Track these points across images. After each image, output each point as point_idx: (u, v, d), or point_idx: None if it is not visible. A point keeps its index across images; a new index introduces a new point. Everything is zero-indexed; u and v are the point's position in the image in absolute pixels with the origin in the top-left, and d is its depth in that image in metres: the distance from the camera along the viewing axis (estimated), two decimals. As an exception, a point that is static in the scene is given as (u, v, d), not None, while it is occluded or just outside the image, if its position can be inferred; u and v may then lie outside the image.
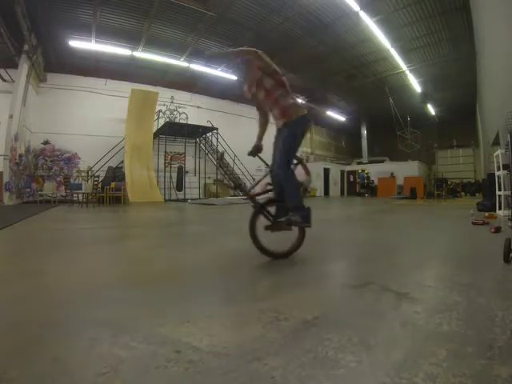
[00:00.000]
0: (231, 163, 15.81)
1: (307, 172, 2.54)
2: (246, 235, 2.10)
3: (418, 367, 0.79)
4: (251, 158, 2.41)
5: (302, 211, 2.10)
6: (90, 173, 12.07)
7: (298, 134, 2.15)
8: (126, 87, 12.62)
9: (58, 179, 12.24)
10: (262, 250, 2.12)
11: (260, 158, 2.40)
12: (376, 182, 18.74)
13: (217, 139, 15.38)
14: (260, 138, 2.30)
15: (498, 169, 5.21)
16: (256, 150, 2.27)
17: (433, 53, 12.60)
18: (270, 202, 2.21)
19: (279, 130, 2.19)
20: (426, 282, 1.65)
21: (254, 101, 2.31)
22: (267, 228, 2.16)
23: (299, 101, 2.54)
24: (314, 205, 11.01)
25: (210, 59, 2.69)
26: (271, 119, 2.38)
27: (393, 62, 13.38)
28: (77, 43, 10.67)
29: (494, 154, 5.57)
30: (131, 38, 11.06)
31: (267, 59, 2.14)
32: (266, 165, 2.42)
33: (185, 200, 13.20)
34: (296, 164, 2.38)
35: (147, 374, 0.79)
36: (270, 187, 2.26)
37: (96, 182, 11.29)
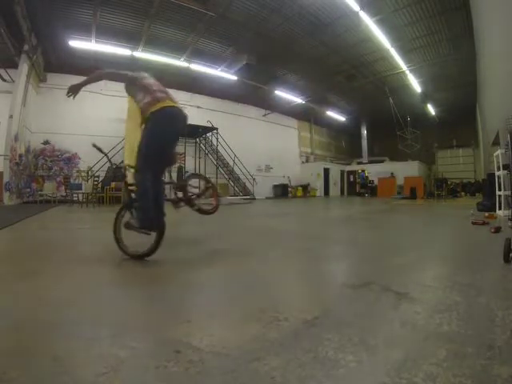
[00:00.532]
0: (231, 163, 15.82)
1: (216, 198, 2.59)
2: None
3: (418, 367, 0.79)
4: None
5: (142, 216, 2.06)
6: (89, 173, 12.06)
7: (153, 131, 2.08)
8: (126, 87, 12.60)
9: (58, 179, 12.23)
10: (121, 249, 2.19)
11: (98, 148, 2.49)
12: (376, 182, 18.75)
13: (217, 139, 15.39)
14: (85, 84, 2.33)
15: (498, 169, 5.21)
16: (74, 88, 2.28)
17: (433, 53, 12.59)
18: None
19: None
20: (426, 281, 1.65)
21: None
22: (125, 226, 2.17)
23: (161, 95, 2.27)
24: (314, 205, 10.87)
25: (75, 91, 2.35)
26: None
27: (393, 62, 13.37)
28: (77, 43, 10.66)
29: (494, 154, 5.57)
30: (131, 38, 11.05)
31: (111, 71, 2.37)
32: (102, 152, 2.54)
33: (185, 200, 13.19)
34: (207, 188, 2.51)
35: (147, 373, 0.79)
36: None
37: (96, 182, 11.28)
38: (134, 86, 2.26)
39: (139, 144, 2.09)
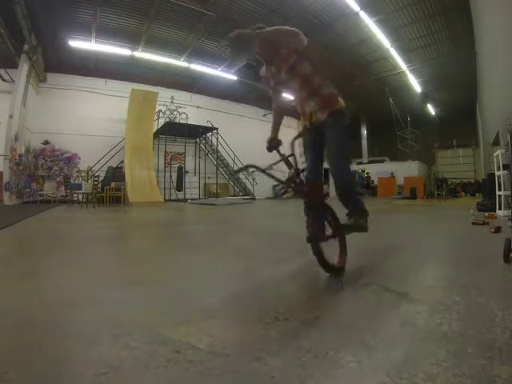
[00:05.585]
0: (231, 163, 15.82)
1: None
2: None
3: (418, 367, 0.79)
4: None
5: (364, 208, 1.79)
6: (89, 173, 12.07)
7: (346, 127, 1.81)
8: (126, 87, 12.62)
9: (58, 179, 12.24)
10: (324, 263, 1.62)
11: (279, 152, 1.90)
12: (376, 181, 18.75)
13: (217, 139, 15.39)
14: (276, 130, 1.97)
15: (498, 169, 5.21)
16: (275, 144, 1.91)
17: (433, 53, 12.60)
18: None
19: (325, 121, 1.77)
20: (425, 281, 1.65)
21: (276, 88, 1.93)
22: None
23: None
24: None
25: (235, 43, 1.65)
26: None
27: (393, 62, 13.38)
28: (77, 43, 10.68)
29: (494, 154, 5.57)
30: (131, 38, 11.07)
31: (306, 40, 1.73)
32: (288, 164, 1.81)
33: (185, 200, 13.20)
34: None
35: (147, 374, 0.79)
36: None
37: (96, 182, 11.29)
38: (305, 61, 1.78)
39: (345, 136, 1.79)
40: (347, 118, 1.83)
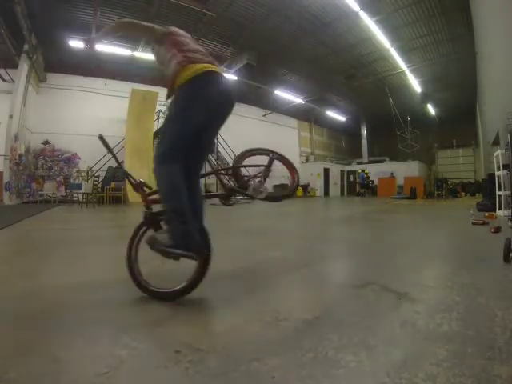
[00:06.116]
0: (231, 163, 15.82)
1: (291, 168, 1.79)
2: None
3: (418, 367, 0.79)
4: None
5: (175, 228, 1.32)
6: (89, 173, 12.06)
7: (187, 99, 1.38)
8: (126, 87, 12.61)
9: (58, 179, 12.24)
10: (138, 284, 1.40)
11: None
12: (376, 181, 18.75)
13: (217, 139, 15.39)
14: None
15: (498, 169, 5.21)
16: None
17: (433, 53, 12.60)
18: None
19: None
20: (426, 281, 1.65)
21: None
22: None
23: (200, 56, 1.47)
24: (314, 205, 10.86)
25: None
26: None
27: (393, 62, 13.38)
28: (77, 43, 10.66)
29: (494, 154, 5.57)
30: (131, 37, 11.06)
31: (142, 24, 1.54)
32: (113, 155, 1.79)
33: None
34: (271, 159, 1.77)
35: (147, 373, 0.79)
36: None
37: (96, 182, 11.29)
38: (161, 46, 1.54)
39: (168, 119, 1.45)
40: (194, 86, 1.37)
